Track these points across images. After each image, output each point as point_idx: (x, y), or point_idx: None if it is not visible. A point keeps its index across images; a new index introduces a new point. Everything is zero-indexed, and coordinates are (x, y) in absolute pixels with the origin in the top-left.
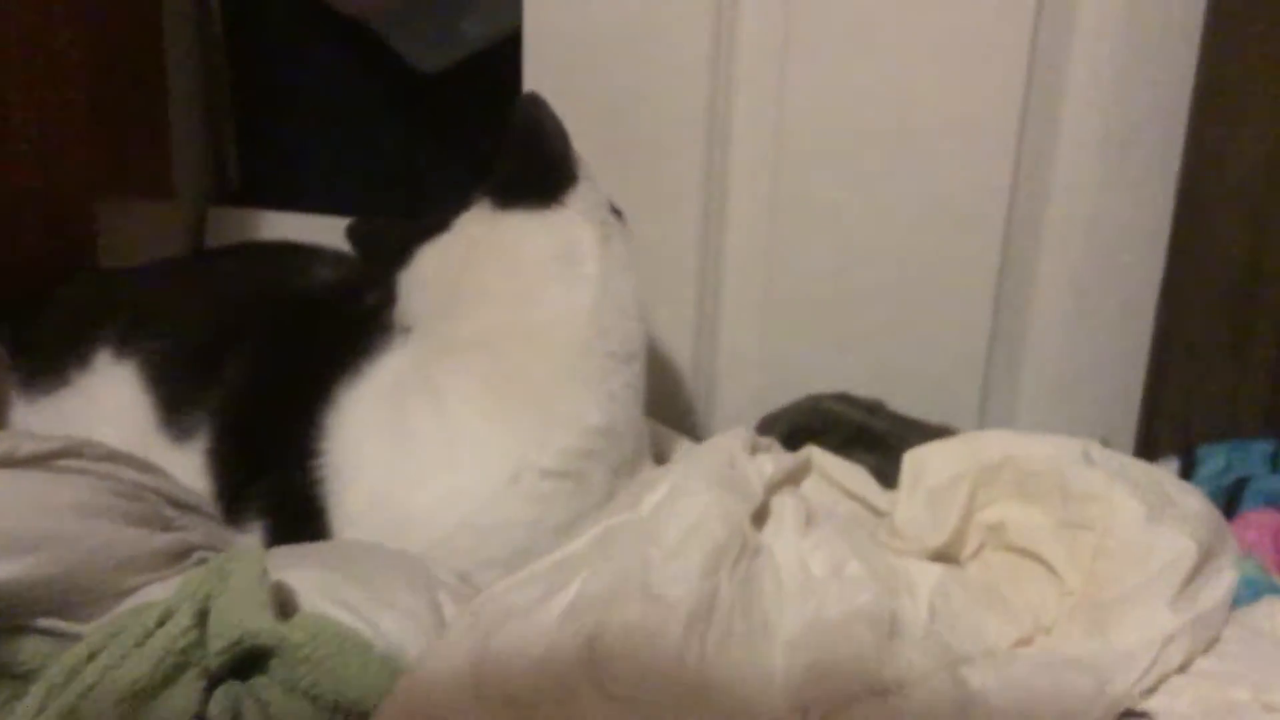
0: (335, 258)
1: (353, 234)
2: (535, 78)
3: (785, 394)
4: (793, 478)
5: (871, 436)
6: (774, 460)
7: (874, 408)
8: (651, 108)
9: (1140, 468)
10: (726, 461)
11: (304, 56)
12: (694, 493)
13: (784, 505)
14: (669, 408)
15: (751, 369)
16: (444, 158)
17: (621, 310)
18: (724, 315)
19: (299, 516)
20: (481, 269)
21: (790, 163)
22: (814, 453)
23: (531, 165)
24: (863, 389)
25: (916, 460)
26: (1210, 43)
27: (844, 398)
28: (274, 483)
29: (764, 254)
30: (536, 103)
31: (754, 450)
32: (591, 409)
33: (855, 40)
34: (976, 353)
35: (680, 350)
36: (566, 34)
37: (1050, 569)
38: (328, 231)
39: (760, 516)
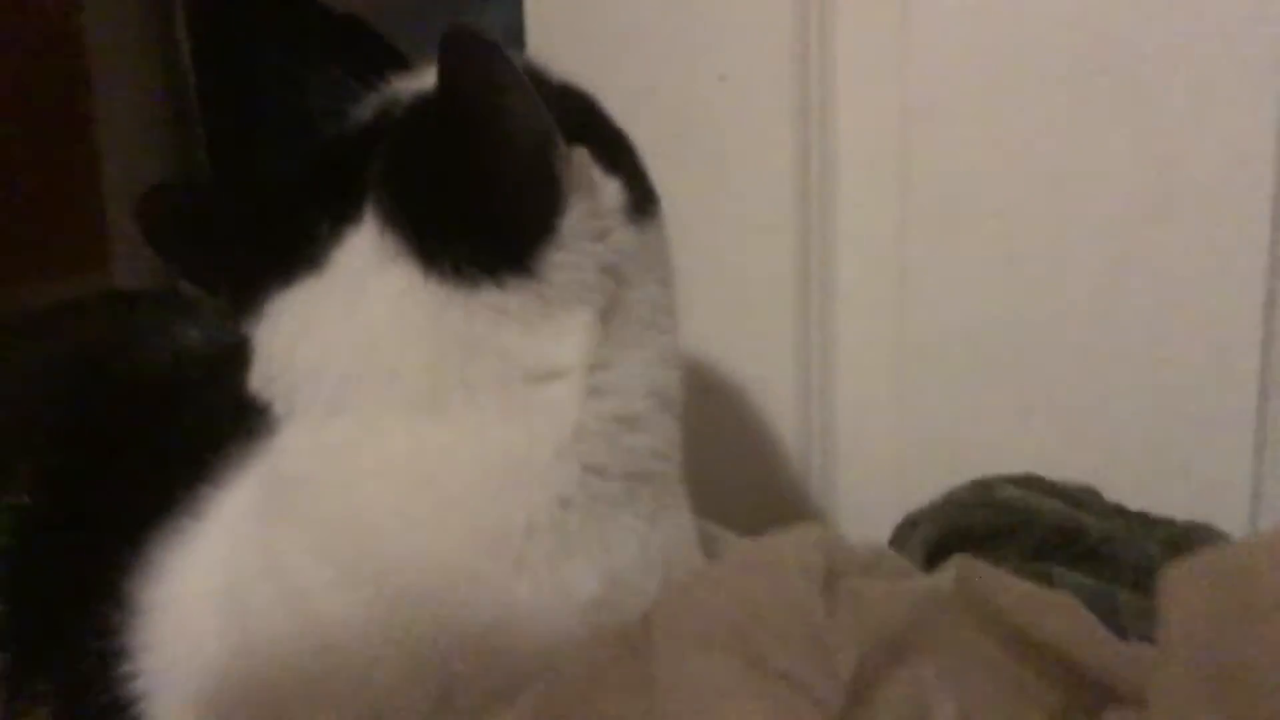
0: (219, 311)
1: (144, 211)
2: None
3: (937, 480)
4: (930, 629)
5: (1080, 542)
6: (882, 597)
7: (1082, 496)
8: (715, 62)
9: None
10: (748, 619)
11: (294, 78)
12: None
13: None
14: (768, 507)
15: (883, 442)
16: None
17: (628, 418)
18: (840, 361)
19: None
20: (372, 359)
21: (919, 138)
22: (965, 567)
23: (480, 199)
24: (1056, 470)
25: (1206, 580)
26: None
27: (1031, 481)
28: (63, 678)
29: (893, 268)
30: (489, 65)
31: (831, 577)
32: (584, 576)
33: None
34: (1237, 412)
35: (778, 413)
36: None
37: None
38: None
39: None
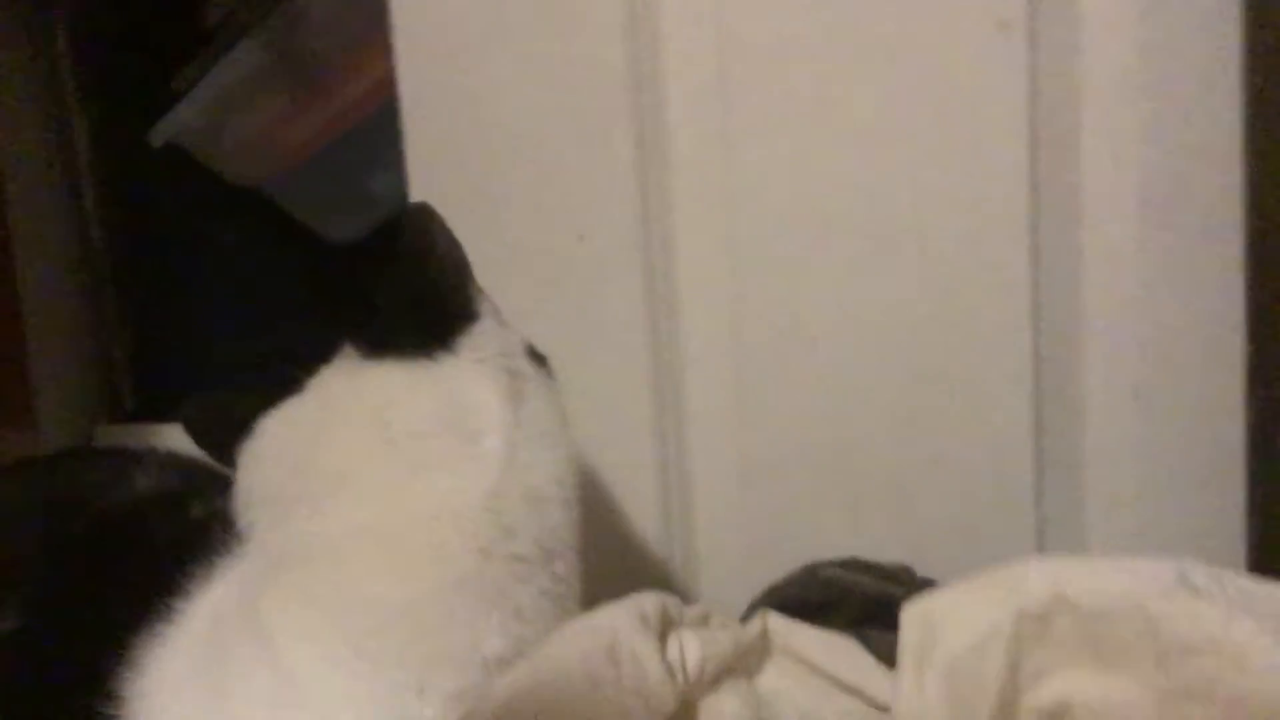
0: (164, 461)
1: (187, 417)
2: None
3: (783, 568)
4: (742, 663)
5: (892, 611)
6: (705, 640)
7: (894, 573)
8: (575, 224)
9: (1272, 595)
10: (603, 653)
11: (199, 245)
12: None
13: (720, 712)
14: None
15: (735, 541)
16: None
17: (537, 495)
18: (695, 476)
19: None
20: (334, 444)
21: (748, 281)
22: (773, 622)
23: (413, 299)
24: (882, 553)
25: (922, 617)
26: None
27: (854, 563)
28: None
29: (733, 396)
30: (424, 216)
31: (666, 626)
32: (490, 634)
33: (807, 117)
34: (1020, 491)
35: (645, 523)
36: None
37: None
38: None
39: None
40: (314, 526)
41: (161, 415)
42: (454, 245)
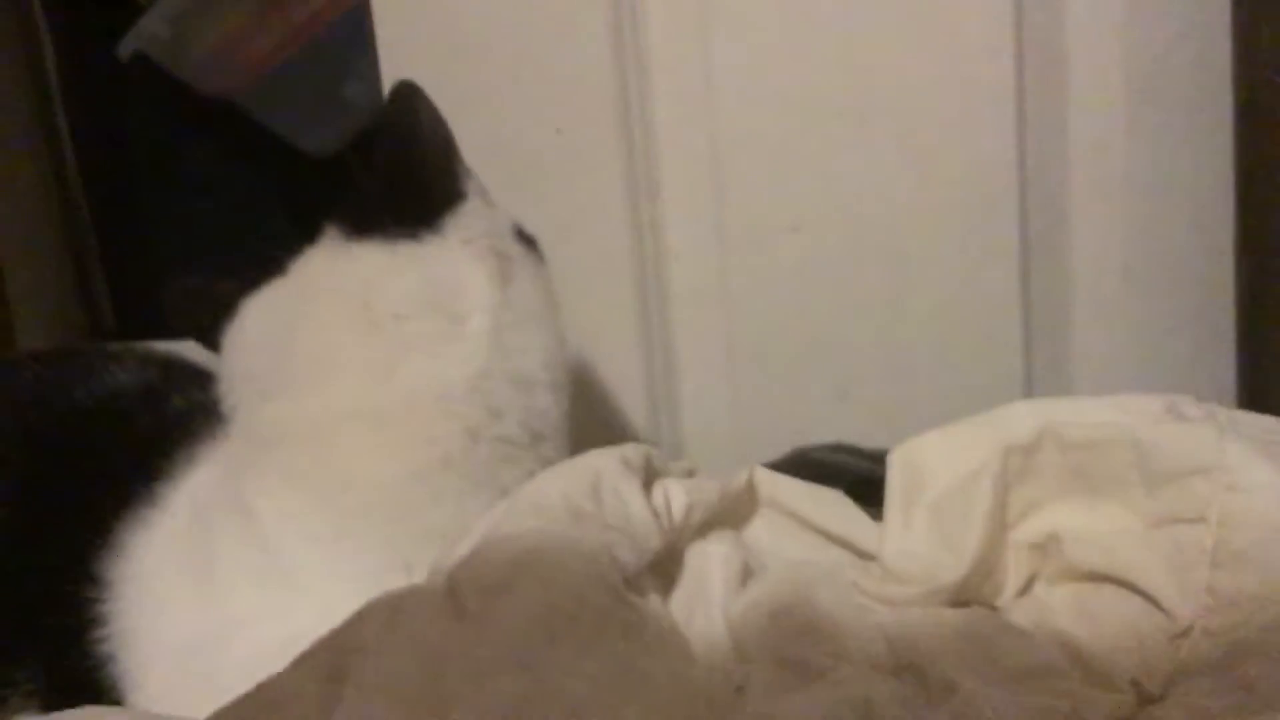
0: (142, 357)
1: (169, 301)
2: None
3: (770, 454)
4: (729, 514)
5: (879, 489)
6: (690, 489)
7: (882, 457)
8: (552, 117)
9: (1260, 422)
10: (585, 489)
11: (174, 162)
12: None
13: (707, 559)
14: None
15: (722, 428)
16: None
17: (524, 378)
18: (681, 364)
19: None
20: (318, 325)
21: (730, 167)
22: (760, 475)
23: (398, 178)
24: (870, 438)
25: (909, 459)
26: None
27: (841, 447)
28: (44, 665)
29: (718, 284)
30: (410, 95)
31: (651, 475)
32: (476, 514)
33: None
34: (1009, 374)
35: (632, 410)
36: (426, 36)
37: (1147, 598)
38: None
39: (668, 578)
40: (298, 408)
41: (143, 333)
42: (440, 124)
